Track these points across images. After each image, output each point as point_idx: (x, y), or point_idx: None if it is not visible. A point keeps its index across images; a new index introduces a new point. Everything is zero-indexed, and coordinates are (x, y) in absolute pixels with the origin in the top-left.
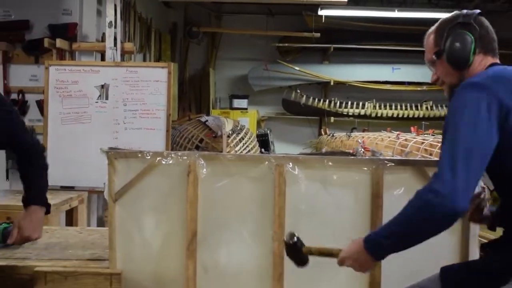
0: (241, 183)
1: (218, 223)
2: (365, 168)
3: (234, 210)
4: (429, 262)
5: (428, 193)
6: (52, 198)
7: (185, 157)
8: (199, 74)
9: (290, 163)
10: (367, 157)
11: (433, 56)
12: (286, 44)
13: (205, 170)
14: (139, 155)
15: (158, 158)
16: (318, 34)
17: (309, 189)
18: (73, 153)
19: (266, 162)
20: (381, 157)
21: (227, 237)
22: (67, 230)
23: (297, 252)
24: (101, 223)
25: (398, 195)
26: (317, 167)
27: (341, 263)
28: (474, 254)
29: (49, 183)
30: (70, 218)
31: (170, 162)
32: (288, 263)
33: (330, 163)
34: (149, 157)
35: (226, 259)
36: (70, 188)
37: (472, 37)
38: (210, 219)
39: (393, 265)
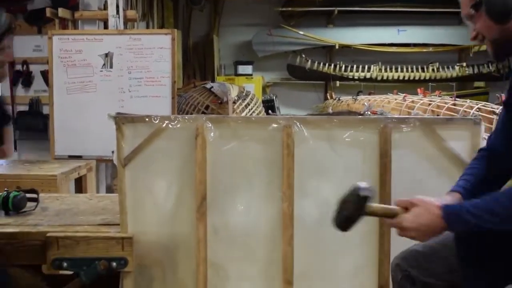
0: (249, 145)
1: (227, 186)
2: (373, 127)
3: (242, 172)
4: None
5: None
6: (61, 167)
7: (193, 121)
8: (202, 41)
9: (298, 124)
10: (374, 116)
11: (471, 10)
12: (290, 8)
13: (212, 133)
14: (147, 119)
15: (165, 122)
16: None
17: (317, 149)
18: (80, 122)
19: (274, 124)
20: (389, 116)
21: (236, 199)
22: (77, 197)
23: (361, 210)
24: (110, 191)
25: (406, 154)
26: (325, 128)
27: (404, 232)
28: None
29: (57, 153)
30: (80, 187)
31: (178, 126)
32: (298, 223)
33: (337, 123)
34: (156, 122)
35: (235, 221)
36: (78, 158)
37: None
38: (219, 181)
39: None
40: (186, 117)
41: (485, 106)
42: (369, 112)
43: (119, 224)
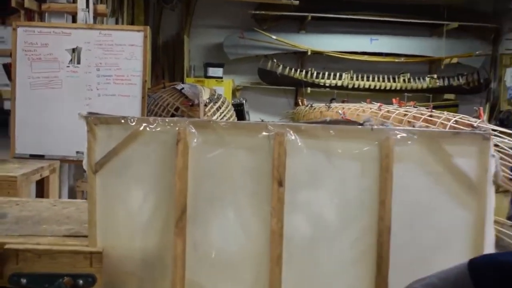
0: (236, 154)
1: (210, 197)
2: (374, 139)
3: (228, 183)
4: (440, 240)
5: None
6: (21, 167)
7: (174, 124)
8: (172, 41)
9: (291, 132)
10: (376, 127)
11: None
12: (263, 12)
13: (196, 139)
14: (122, 121)
15: (143, 125)
16: (297, 2)
17: (312, 161)
18: (43, 120)
19: (264, 131)
20: (391, 127)
21: (220, 212)
22: (40, 202)
23: None
24: (72, 194)
25: (409, 169)
26: (320, 137)
27: None
28: (490, 233)
29: (18, 151)
30: (41, 189)
31: (157, 129)
32: (288, 241)
33: (335, 133)
34: (133, 124)
35: (218, 237)
36: (40, 157)
37: None
38: (202, 192)
39: (400, 240)
40: (167, 120)
41: (462, 119)
42: (370, 123)
43: (86, 235)
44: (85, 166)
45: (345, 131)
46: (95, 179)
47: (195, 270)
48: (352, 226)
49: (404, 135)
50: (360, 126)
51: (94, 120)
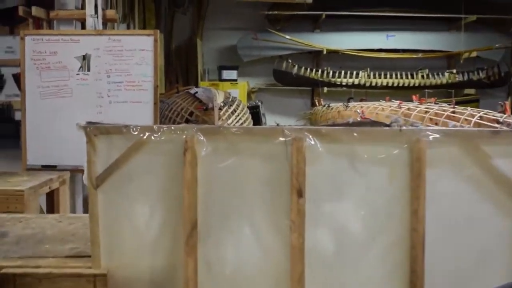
0: (250, 162)
1: (223, 211)
2: (403, 141)
3: (242, 195)
4: (481, 254)
5: None
6: (30, 180)
7: (180, 132)
8: (185, 45)
9: (311, 137)
10: (405, 127)
11: None
12: (276, 12)
13: (205, 147)
14: (124, 130)
15: (147, 134)
16: (310, 0)
17: (334, 168)
18: (54, 129)
19: (281, 137)
20: (422, 127)
21: (235, 228)
22: (44, 219)
23: None
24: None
25: (444, 174)
26: (343, 141)
27: None
28: None
29: (30, 162)
30: (51, 202)
31: (162, 138)
32: (311, 258)
33: (359, 136)
34: (136, 133)
35: (233, 255)
36: (52, 168)
37: None
38: (213, 206)
39: (436, 255)
40: (173, 128)
41: (486, 114)
42: (398, 123)
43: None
44: (85, 181)
45: (371, 133)
46: (96, 194)
47: None
48: (381, 240)
49: (437, 136)
50: (387, 128)
51: (93, 130)
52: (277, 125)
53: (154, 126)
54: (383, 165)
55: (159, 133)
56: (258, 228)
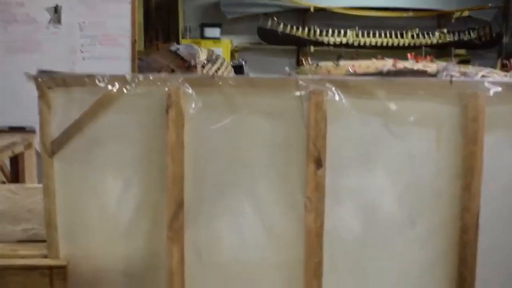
0: (252, 123)
1: (217, 186)
2: (453, 96)
3: (242, 165)
4: None
5: None
6: None
7: (162, 83)
8: (166, 2)
9: (333, 89)
10: (456, 79)
11: None
12: None
13: (194, 103)
14: (87, 80)
15: (117, 86)
16: None
17: (364, 130)
18: (22, 88)
19: (294, 89)
20: (479, 79)
21: (232, 206)
22: None
23: None
24: None
25: (506, 139)
26: (376, 96)
27: None
28: None
29: None
30: (16, 168)
31: (138, 91)
32: (331, 244)
33: (396, 89)
34: (103, 85)
35: (230, 241)
36: (21, 129)
37: None
38: (205, 179)
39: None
40: (152, 78)
41: (490, 74)
42: (448, 72)
43: None
44: (37, 147)
45: (412, 85)
46: (52, 164)
47: (199, 285)
48: (422, 221)
49: (499, 89)
50: (433, 78)
51: (47, 81)
52: (289, 74)
53: (127, 75)
54: (427, 126)
55: (134, 84)
56: (262, 206)
